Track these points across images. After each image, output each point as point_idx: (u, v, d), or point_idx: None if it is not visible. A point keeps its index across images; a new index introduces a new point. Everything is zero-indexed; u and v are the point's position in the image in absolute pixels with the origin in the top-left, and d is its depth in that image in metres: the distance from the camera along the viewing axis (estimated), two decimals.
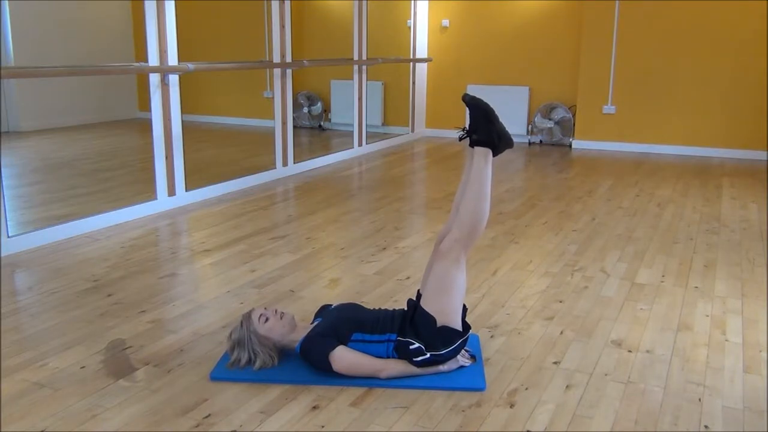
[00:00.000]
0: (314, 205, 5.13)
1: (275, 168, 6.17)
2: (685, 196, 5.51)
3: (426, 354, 2.44)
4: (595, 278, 3.57)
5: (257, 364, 2.49)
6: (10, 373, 2.51)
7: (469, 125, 2.61)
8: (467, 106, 2.60)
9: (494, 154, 2.57)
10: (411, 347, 2.44)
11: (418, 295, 2.60)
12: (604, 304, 3.21)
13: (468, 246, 2.51)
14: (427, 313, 2.46)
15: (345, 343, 2.47)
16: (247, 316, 2.56)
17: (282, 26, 6.01)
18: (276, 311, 2.59)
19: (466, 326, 2.52)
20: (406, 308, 2.63)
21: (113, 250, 3.99)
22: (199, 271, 3.67)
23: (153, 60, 4.75)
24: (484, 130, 2.56)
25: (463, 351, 2.56)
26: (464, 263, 2.50)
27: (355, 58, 7.24)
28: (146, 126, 4.86)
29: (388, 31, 8.29)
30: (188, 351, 2.70)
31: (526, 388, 2.42)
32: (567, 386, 2.44)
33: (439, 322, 2.44)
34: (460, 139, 2.64)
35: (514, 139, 8.38)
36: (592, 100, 7.87)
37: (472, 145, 2.59)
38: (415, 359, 2.44)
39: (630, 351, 2.72)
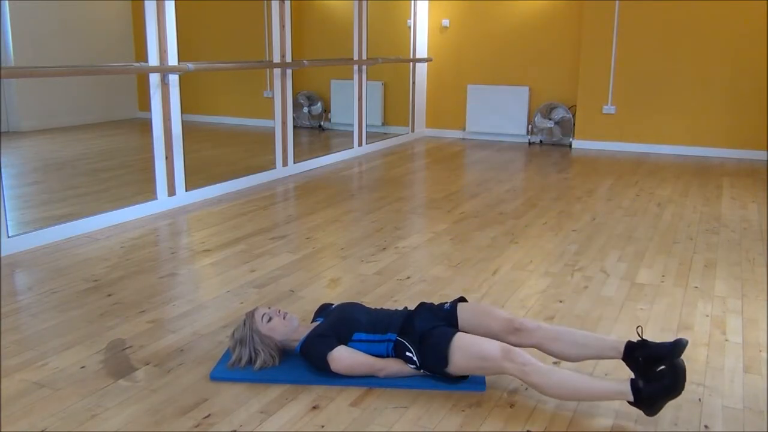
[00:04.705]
0: (314, 205, 5.13)
1: (275, 168, 6.17)
2: (685, 196, 5.51)
3: (421, 370, 2.44)
4: (595, 278, 3.57)
5: (258, 363, 2.49)
6: (10, 373, 2.51)
7: (650, 373, 2.23)
8: (673, 368, 2.17)
9: (629, 401, 2.19)
10: (407, 354, 2.44)
11: (453, 311, 2.57)
12: (604, 304, 3.21)
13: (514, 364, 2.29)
14: (446, 356, 2.36)
15: (346, 343, 2.48)
16: (251, 315, 2.56)
17: (282, 26, 6.01)
18: (279, 311, 2.59)
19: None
20: (414, 308, 2.63)
21: (113, 250, 3.99)
22: (199, 271, 3.67)
23: (153, 60, 4.75)
24: (658, 396, 2.15)
25: None
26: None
27: (355, 58, 7.24)
28: (146, 126, 4.86)
29: (388, 31, 8.29)
30: (188, 351, 2.70)
31: (526, 389, 2.42)
32: None
33: (449, 371, 2.39)
34: (628, 350, 2.33)
35: (514, 139, 8.42)
36: (592, 100, 7.87)
37: (633, 378, 2.22)
38: (409, 365, 2.45)
39: None
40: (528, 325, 2.47)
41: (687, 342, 2.23)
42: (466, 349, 2.34)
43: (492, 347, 2.30)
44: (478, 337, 2.40)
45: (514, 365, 2.25)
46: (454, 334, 2.39)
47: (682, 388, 2.14)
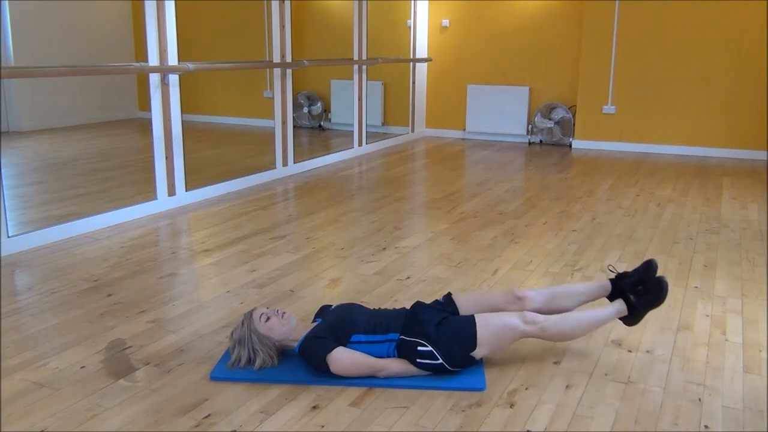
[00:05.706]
0: (314, 205, 5.13)
1: (275, 168, 6.17)
2: (685, 196, 5.51)
3: (438, 360, 2.43)
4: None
5: (257, 363, 2.49)
6: (10, 373, 2.51)
7: (636, 292, 2.66)
8: (658, 283, 2.62)
9: (621, 318, 2.67)
10: (420, 348, 2.44)
11: (450, 302, 2.68)
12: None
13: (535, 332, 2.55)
14: (475, 336, 2.46)
15: (344, 344, 2.47)
16: (249, 315, 2.57)
17: (282, 26, 6.01)
18: (278, 311, 2.59)
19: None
20: (420, 305, 2.66)
21: (113, 250, 3.99)
22: (199, 271, 3.67)
23: (153, 60, 4.75)
24: (645, 306, 2.63)
25: None
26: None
27: (355, 58, 7.24)
28: (146, 126, 4.86)
29: (388, 31, 8.29)
30: (188, 351, 2.70)
31: (526, 388, 2.42)
32: (567, 386, 2.44)
33: (476, 352, 2.46)
34: (613, 284, 2.73)
35: (514, 139, 8.42)
36: (592, 100, 7.87)
37: (624, 298, 2.67)
38: (420, 360, 2.44)
39: (630, 351, 2.72)
40: (528, 293, 2.71)
41: (656, 262, 2.67)
42: (489, 326, 2.47)
43: (511, 316, 2.51)
44: (494, 312, 2.60)
45: (533, 327, 2.50)
46: (472, 316, 2.51)
47: (665, 297, 2.59)
